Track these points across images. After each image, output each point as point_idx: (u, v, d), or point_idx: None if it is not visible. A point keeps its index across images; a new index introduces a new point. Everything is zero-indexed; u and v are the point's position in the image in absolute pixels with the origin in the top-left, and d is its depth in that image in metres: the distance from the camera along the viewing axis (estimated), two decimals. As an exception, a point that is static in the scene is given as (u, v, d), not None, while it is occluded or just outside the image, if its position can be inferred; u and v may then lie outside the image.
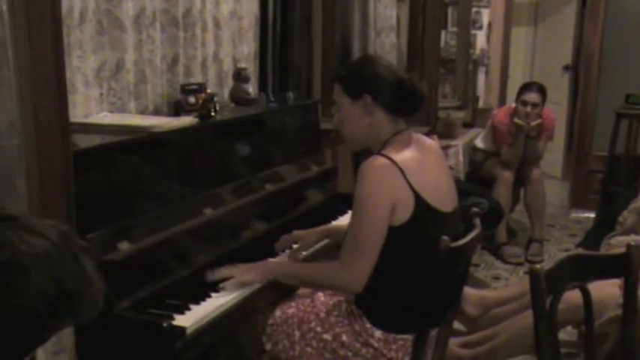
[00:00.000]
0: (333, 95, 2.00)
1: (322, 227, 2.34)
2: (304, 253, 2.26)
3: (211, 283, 1.97)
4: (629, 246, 1.71)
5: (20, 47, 1.49)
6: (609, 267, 1.76)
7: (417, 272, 1.85)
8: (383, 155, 1.83)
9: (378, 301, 1.89)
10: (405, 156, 1.84)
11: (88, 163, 1.83)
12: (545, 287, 1.57)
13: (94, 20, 2.21)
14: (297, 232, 2.28)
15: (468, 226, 1.97)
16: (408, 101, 1.92)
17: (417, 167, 1.84)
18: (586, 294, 1.70)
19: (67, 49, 2.08)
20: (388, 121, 1.91)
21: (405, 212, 1.80)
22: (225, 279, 1.97)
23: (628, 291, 1.74)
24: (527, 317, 1.85)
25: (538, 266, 1.58)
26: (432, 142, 2.02)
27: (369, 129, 1.92)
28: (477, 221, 1.98)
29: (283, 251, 2.27)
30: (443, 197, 1.90)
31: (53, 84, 1.56)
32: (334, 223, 2.61)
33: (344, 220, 2.61)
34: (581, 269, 1.69)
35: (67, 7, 2.07)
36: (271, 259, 2.18)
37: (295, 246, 2.27)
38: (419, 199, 1.81)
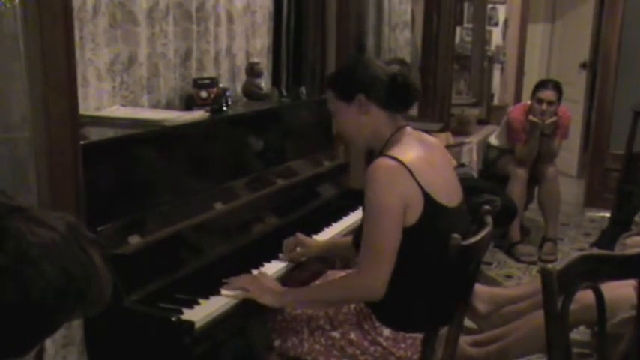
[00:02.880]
0: (328, 105, 1.98)
1: (328, 241, 2.30)
2: (303, 259, 2.22)
3: (221, 278, 1.97)
4: (643, 246, 1.69)
5: (31, 41, 1.49)
6: (623, 267, 1.74)
7: (427, 270, 1.84)
8: (389, 157, 1.81)
9: (387, 299, 1.87)
10: (411, 155, 1.82)
11: (99, 156, 1.83)
12: (557, 287, 1.55)
13: (108, 14, 2.22)
14: (300, 236, 2.23)
15: (479, 224, 1.95)
16: (402, 96, 1.90)
17: (424, 166, 1.82)
18: (598, 294, 1.68)
19: (80, 43, 2.09)
20: (386, 118, 1.90)
21: (415, 213, 1.79)
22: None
23: (642, 292, 1.72)
24: (539, 316, 1.84)
25: (550, 265, 1.57)
26: (432, 138, 2.00)
27: (369, 128, 1.91)
28: (489, 219, 1.96)
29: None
30: (449, 193, 1.88)
31: (64, 77, 1.56)
32: (345, 219, 2.60)
33: (355, 217, 2.60)
34: (594, 269, 1.67)
35: (80, 0, 2.07)
36: (289, 288, 2.01)
37: (298, 249, 2.23)
38: (428, 199, 1.80)
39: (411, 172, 1.78)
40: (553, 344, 1.59)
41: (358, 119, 1.90)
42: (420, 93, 1.96)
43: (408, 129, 1.93)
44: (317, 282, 2.10)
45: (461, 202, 1.94)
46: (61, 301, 0.98)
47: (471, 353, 2.48)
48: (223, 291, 1.91)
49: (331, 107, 1.97)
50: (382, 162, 1.81)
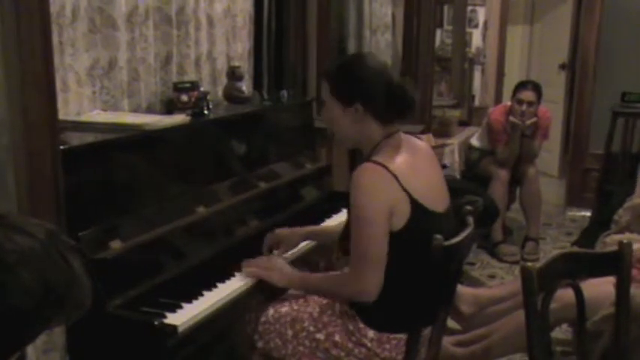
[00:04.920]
0: (321, 93, 1.97)
1: (306, 228, 2.31)
2: (289, 253, 2.23)
3: (204, 281, 1.97)
4: (621, 244, 1.71)
5: (9, 45, 1.48)
6: (601, 265, 1.76)
7: (412, 273, 1.85)
8: (375, 162, 1.81)
9: (372, 302, 1.88)
10: (396, 161, 1.83)
11: (79, 160, 1.82)
12: (537, 285, 1.57)
13: (87, 18, 2.21)
14: (279, 231, 2.24)
15: (461, 225, 1.97)
16: (397, 107, 1.89)
17: (409, 171, 1.83)
18: (578, 292, 1.70)
19: (60, 47, 2.08)
20: (378, 126, 1.89)
21: (402, 217, 1.80)
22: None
23: (620, 289, 1.74)
24: (521, 315, 1.85)
25: (530, 264, 1.58)
26: (422, 144, 2.01)
27: (360, 133, 1.91)
28: (470, 219, 1.98)
29: (270, 251, 2.22)
30: (436, 198, 1.89)
31: (42, 82, 1.55)
32: (328, 221, 2.60)
33: (338, 219, 2.61)
34: (574, 267, 1.69)
35: (59, 5, 2.07)
36: (292, 269, 2.10)
37: (276, 252, 2.23)
38: (414, 203, 1.80)
39: (396, 178, 1.79)
40: (534, 342, 1.61)
41: (350, 125, 1.90)
42: (416, 104, 1.94)
43: (398, 135, 1.92)
44: (319, 275, 2.12)
45: (448, 207, 1.95)
46: (40, 309, 0.98)
47: (454, 353, 2.49)
48: (241, 272, 2.06)
49: (324, 97, 1.95)
50: (367, 167, 1.81)
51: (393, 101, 1.87)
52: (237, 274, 2.07)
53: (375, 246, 1.79)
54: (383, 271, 1.81)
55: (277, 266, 2.05)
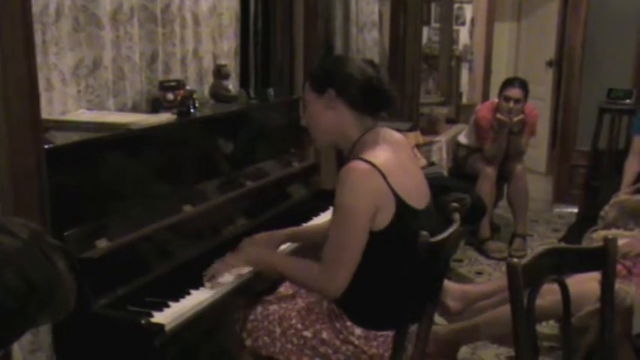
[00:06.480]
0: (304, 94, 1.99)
1: (285, 230, 2.29)
2: None
3: (191, 280, 1.97)
4: (606, 239, 1.72)
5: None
6: (586, 260, 1.77)
7: (397, 271, 1.84)
8: (362, 159, 1.81)
9: (357, 300, 1.88)
10: (383, 158, 1.82)
11: (64, 160, 1.82)
12: (523, 281, 1.58)
13: (71, 17, 2.19)
14: (257, 236, 2.20)
15: (447, 222, 1.97)
16: (373, 99, 1.89)
17: (396, 168, 1.82)
18: (563, 287, 1.71)
19: (43, 47, 2.07)
20: (353, 118, 1.89)
21: (386, 216, 1.79)
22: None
23: (605, 284, 1.75)
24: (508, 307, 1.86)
25: (515, 260, 1.59)
26: (400, 137, 2.00)
27: (333, 124, 1.90)
28: (457, 216, 1.98)
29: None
30: (419, 195, 1.89)
31: (25, 82, 1.54)
32: (315, 219, 2.61)
33: (325, 217, 2.61)
34: (559, 263, 1.70)
35: (42, 3, 2.05)
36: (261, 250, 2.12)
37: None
38: (399, 202, 1.80)
39: (383, 175, 1.78)
40: (520, 337, 1.61)
41: (323, 113, 1.90)
42: (394, 101, 1.95)
43: (377, 129, 1.92)
44: (291, 258, 2.10)
45: (428, 203, 1.95)
46: (23, 308, 0.98)
47: (437, 330, 2.48)
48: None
49: (305, 98, 1.97)
50: (355, 165, 1.80)
51: (367, 91, 1.88)
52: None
53: (351, 246, 1.79)
54: (352, 270, 1.80)
55: (233, 255, 2.04)
